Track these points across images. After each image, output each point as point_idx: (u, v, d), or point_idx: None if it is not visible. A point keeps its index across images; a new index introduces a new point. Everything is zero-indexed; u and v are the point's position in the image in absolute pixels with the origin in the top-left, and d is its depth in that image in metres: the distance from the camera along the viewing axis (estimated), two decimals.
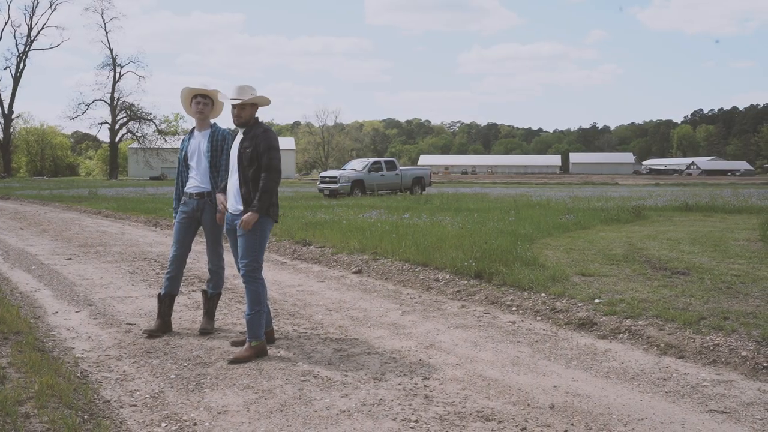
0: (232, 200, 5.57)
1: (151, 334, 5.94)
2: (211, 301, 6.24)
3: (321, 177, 32.90)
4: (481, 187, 48.60)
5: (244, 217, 5.37)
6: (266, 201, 5.40)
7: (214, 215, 6.06)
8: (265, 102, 5.65)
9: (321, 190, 31.45)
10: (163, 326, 6.07)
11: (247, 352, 5.29)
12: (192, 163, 6.12)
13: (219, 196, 5.79)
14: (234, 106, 5.50)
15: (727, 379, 4.81)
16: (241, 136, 5.56)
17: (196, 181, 6.10)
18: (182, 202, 6.16)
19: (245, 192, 5.45)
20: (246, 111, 5.55)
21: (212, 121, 6.27)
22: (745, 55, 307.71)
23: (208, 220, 6.08)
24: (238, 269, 5.62)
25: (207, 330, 6.08)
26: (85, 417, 3.95)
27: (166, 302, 6.12)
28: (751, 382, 4.75)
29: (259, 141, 5.47)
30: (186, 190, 6.14)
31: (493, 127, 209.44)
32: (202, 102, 6.09)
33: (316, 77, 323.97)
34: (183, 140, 6.28)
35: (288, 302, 7.45)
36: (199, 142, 6.12)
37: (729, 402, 4.36)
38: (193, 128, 6.23)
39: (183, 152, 6.18)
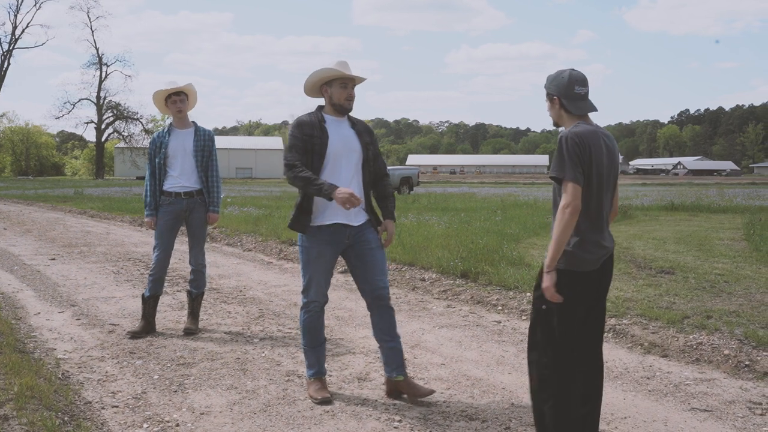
0: (351, 209, 4.25)
1: (135, 335, 5.88)
2: (195, 301, 6.20)
3: None
4: (469, 186, 48.74)
5: (391, 228, 4.42)
6: None
7: (202, 214, 6.05)
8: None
9: None
10: (147, 327, 6.02)
11: (416, 385, 4.38)
12: (175, 162, 6.01)
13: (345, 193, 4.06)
14: (348, 85, 4.35)
15: (709, 377, 4.83)
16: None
17: (182, 180, 6.01)
18: (166, 202, 6.03)
19: (367, 198, 4.45)
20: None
21: (191, 119, 6.19)
22: (731, 56, 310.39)
23: (196, 219, 6.06)
24: (374, 290, 4.41)
25: (191, 330, 6.03)
26: (66, 419, 3.91)
27: (150, 303, 6.06)
28: (733, 380, 4.77)
29: (375, 138, 4.55)
30: (168, 189, 6.02)
31: (481, 126, 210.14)
32: (178, 99, 5.97)
33: (305, 77, 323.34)
34: (158, 136, 6.08)
35: (273, 302, 7.43)
36: (183, 141, 6.02)
37: (711, 400, 4.37)
38: (170, 125, 6.11)
39: (163, 150, 6.01)
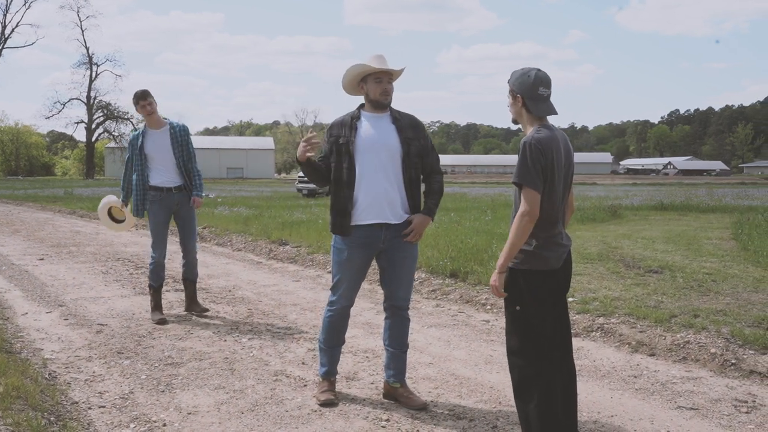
0: (382, 208, 4.14)
1: (162, 322, 6.34)
2: (194, 285, 6.75)
3: (299, 177, 32.73)
4: (459, 186, 48.75)
5: (418, 221, 4.18)
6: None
7: (190, 206, 6.46)
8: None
9: (299, 190, 31.31)
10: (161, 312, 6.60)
11: (412, 395, 4.32)
12: (157, 161, 6.36)
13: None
14: (383, 79, 4.18)
15: (696, 375, 4.85)
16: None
17: (169, 176, 6.40)
18: (158, 197, 6.36)
19: (410, 197, 4.22)
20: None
21: (161, 117, 6.51)
22: (721, 56, 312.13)
23: (186, 212, 6.46)
24: (396, 300, 4.31)
25: (205, 309, 6.69)
26: (52, 419, 3.90)
27: (160, 292, 6.61)
28: (720, 378, 4.80)
29: (422, 134, 4.31)
30: (158, 184, 6.38)
31: (472, 126, 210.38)
32: (147, 104, 6.29)
33: (297, 77, 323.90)
34: (134, 139, 6.42)
35: (263, 302, 7.42)
36: (161, 141, 6.38)
37: (697, 398, 4.40)
38: (145, 127, 6.47)
39: (139, 149, 6.35)
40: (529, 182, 3.25)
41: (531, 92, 3.37)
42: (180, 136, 6.39)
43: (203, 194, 6.59)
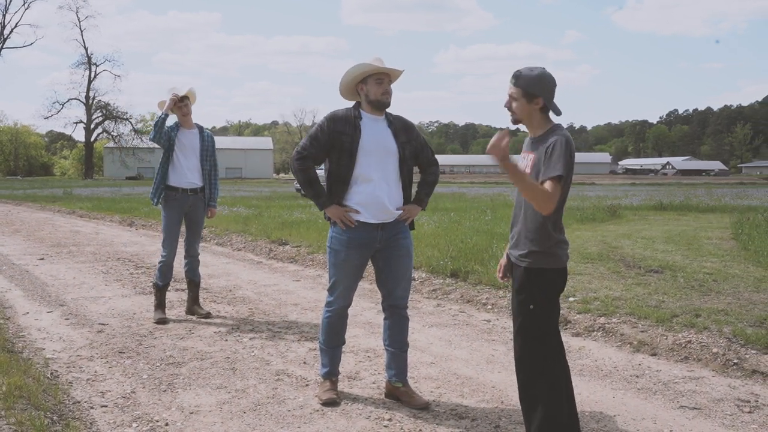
0: (379, 209, 4.20)
1: (162, 321, 6.37)
2: (197, 287, 6.77)
3: None
4: (458, 186, 48.77)
5: (409, 208, 4.36)
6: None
7: (202, 209, 6.57)
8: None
9: (298, 190, 31.27)
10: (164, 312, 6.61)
11: (414, 395, 4.31)
12: (183, 159, 6.43)
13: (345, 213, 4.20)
14: (384, 80, 4.19)
15: (698, 375, 4.85)
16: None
17: (188, 177, 6.48)
18: (172, 197, 6.42)
19: (405, 198, 4.38)
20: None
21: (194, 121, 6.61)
22: (719, 56, 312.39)
23: (197, 213, 6.57)
24: (396, 299, 4.39)
25: (208, 313, 6.65)
26: (54, 418, 3.89)
27: (164, 291, 6.63)
28: (722, 378, 4.80)
29: (415, 134, 4.38)
30: (175, 185, 6.43)
31: (470, 126, 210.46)
32: (183, 105, 6.41)
33: (295, 77, 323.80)
34: (169, 129, 6.41)
35: (263, 301, 7.41)
36: (191, 140, 6.48)
37: (700, 398, 4.40)
38: (177, 124, 6.49)
39: (172, 143, 6.38)
40: (566, 178, 3.19)
41: (551, 94, 3.29)
42: (209, 143, 6.58)
43: (217, 204, 6.80)
